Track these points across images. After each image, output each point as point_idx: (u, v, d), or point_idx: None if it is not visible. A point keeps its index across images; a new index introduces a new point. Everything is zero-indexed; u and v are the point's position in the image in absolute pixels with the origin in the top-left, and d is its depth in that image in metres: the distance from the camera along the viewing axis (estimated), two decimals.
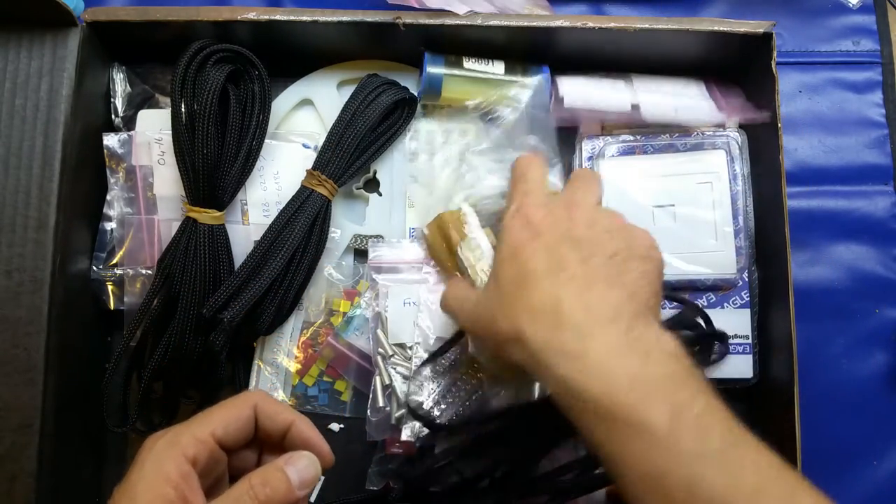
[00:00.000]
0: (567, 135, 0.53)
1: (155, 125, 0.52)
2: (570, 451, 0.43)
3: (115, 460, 0.53)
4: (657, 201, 0.51)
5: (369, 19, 0.48)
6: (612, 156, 0.52)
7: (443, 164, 0.49)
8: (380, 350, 0.50)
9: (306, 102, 0.54)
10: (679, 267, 0.50)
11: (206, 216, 0.48)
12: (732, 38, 0.49)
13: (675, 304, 0.49)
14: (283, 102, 0.53)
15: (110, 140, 0.52)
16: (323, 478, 0.51)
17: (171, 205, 0.51)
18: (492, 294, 0.36)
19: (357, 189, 0.54)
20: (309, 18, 0.48)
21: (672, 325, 0.46)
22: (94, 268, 0.51)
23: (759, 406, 0.51)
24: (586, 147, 0.52)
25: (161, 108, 0.54)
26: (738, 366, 0.50)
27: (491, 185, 0.46)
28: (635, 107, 0.51)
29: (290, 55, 0.52)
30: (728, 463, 0.28)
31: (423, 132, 0.53)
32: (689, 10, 0.60)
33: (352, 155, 0.50)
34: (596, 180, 0.41)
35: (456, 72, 0.51)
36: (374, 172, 0.54)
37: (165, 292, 0.48)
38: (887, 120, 0.59)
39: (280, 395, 0.52)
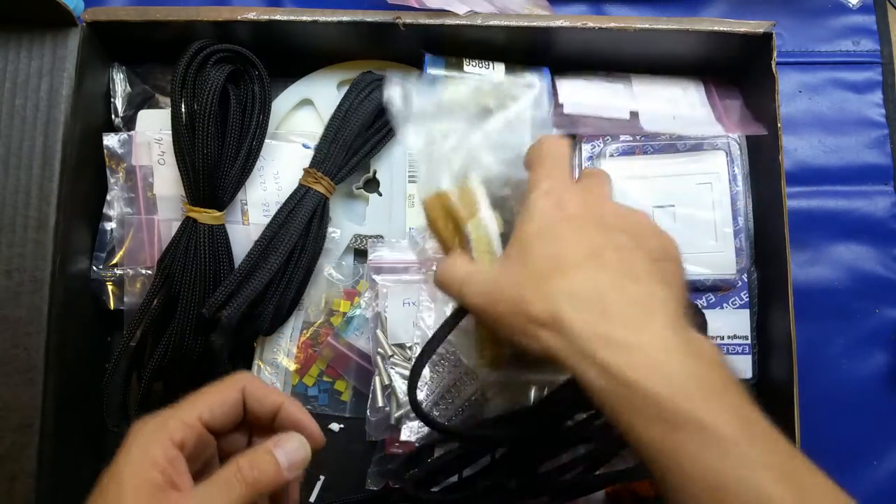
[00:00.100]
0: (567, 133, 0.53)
1: (155, 125, 0.52)
2: (570, 451, 0.44)
3: None
4: (657, 201, 0.51)
5: (369, 19, 0.48)
6: (612, 156, 0.52)
7: (444, 134, 0.46)
8: (379, 350, 0.50)
9: (306, 102, 0.54)
10: None
11: (206, 216, 0.48)
12: (732, 38, 0.49)
13: None
14: (283, 102, 0.53)
15: (110, 140, 0.52)
16: (322, 478, 0.51)
17: (171, 205, 0.51)
18: (517, 273, 0.33)
19: (357, 189, 0.54)
20: (309, 18, 0.48)
21: None
22: (94, 268, 0.51)
23: (758, 406, 0.51)
24: (586, 147, 0.52)
25: (161, 108, 0.54)
26: (738, 366, 0.50)
27: (489, 168, 0.43)
28: (634, 114, 0.51)
29: (290, 55, 0.52)
30: (794, 476, 0.28)
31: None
32: (689, 10, 0.60)
33: (347, 152, 0.50)
34: (609, 179, 0.40)
35: (456, 74, 0.51)
36: (374, 172, 0.54)
37: (165, 292, 0.48)
38: (887, 120, 0.59)
39: None
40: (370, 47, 0.52)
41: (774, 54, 0.48)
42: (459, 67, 0.51)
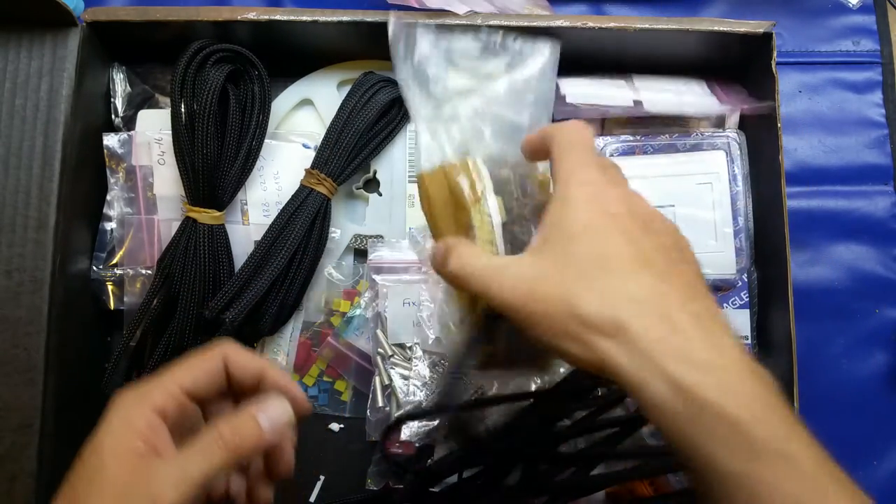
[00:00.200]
0: None
1: (155, 125, 0.52)
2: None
3: None
4: (657, 201, 0.51)
5: (369, 19, 0.48)
6: (612, 155, 0.52)
7: (448, 97, 0.41)
8: (379, 350, 0.50)
9: (306, 102, 0.54)
10: None
11: (206, 216, 0.48)
12: (732, 38, 0.49)
13: None
14: (283, 102, 0.53)
15: (110, 140, 0.52)
16: (322, 478, 0.51)
17: (171, 205, 0.51)
18: (561, 270, 0.30)
19: (357, 189, 0.54)
20: (309, 18, 0.48)
21: None
22: (94, 268, 0.51)
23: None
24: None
25: (161, 108, 0.54)
26: None
27: (489, 144, 0.40)
28: (637, 102, 0.51)
29: (290, 55, 0.52)
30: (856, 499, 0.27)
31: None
32: (689, 10, 0.60)
33: (350, 153, 0.50)
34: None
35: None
36: (374, 172, 0.54)
37: (165, 292, 0.48)
38: (887, 120, 0.59)
39: None
40: (370, 47, 0.52)
41: (774, 54, 0.48)
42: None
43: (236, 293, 0.47)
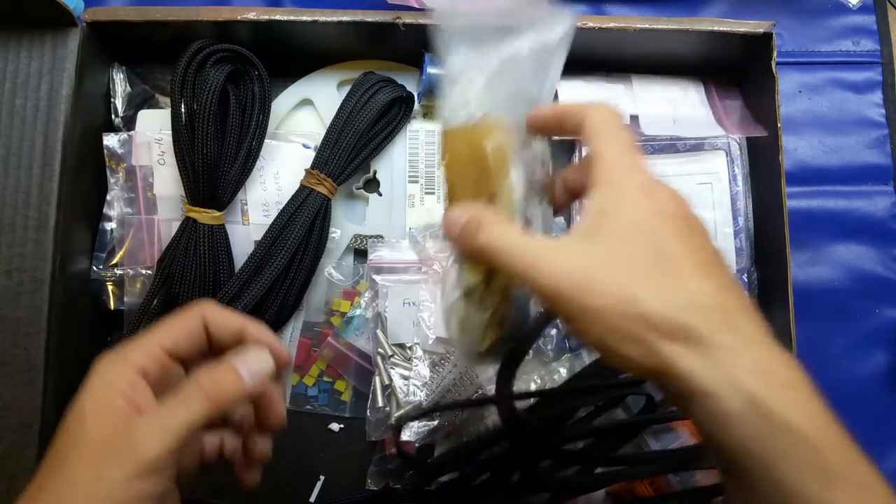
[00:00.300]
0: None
1: (155, 125, 0.52)
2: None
3: None
4: None
5: (369, 19, 0.48)
6: None
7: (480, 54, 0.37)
8: (379, 350, 0.50)
9: (306, 102, 0.54)
10: None
11: (206, 216, 0.48)
12: (732, 38, 0.49)
13: None
14: (283, 102, 0.53)
15: (110, 140, 0.52)
16: (322, 478, 0.51)
17: (171, 205, 0.51)
18: (616, 264, 0.28)
19: (357, 189, 0.54)
20: (309, 18, 0.48)
21: None
22: (94, 268, 0.51)
23: None
24: (586, 148, 0.52)
25: (161, 108, 0.54)
26: None
27: (507, 112, 0.36)
28: (634, 118, 0.51)
29: (290, 55, 0.52)
30: None
31: (422, 132, 0.53)
32: (689, 10, 0.60)
33: (350, 153, 0.50)
34: None
35: None
36: (374, 172, 0.54)
37: (165, 292, 0.48)
38: (887, 120, 0.59)
39: None
40: (370, 47, 0.52)
41: (774, 54, 0.48)
42: None
43: (236, 293, 0.47)
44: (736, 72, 0.54)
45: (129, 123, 0.53)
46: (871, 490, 0.26)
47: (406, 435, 0.48)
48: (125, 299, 0.51)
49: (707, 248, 0.30)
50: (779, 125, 0.48)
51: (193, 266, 0.47)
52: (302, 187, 0.49)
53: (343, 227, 0.53)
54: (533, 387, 0.49)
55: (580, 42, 0.50)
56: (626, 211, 0.29)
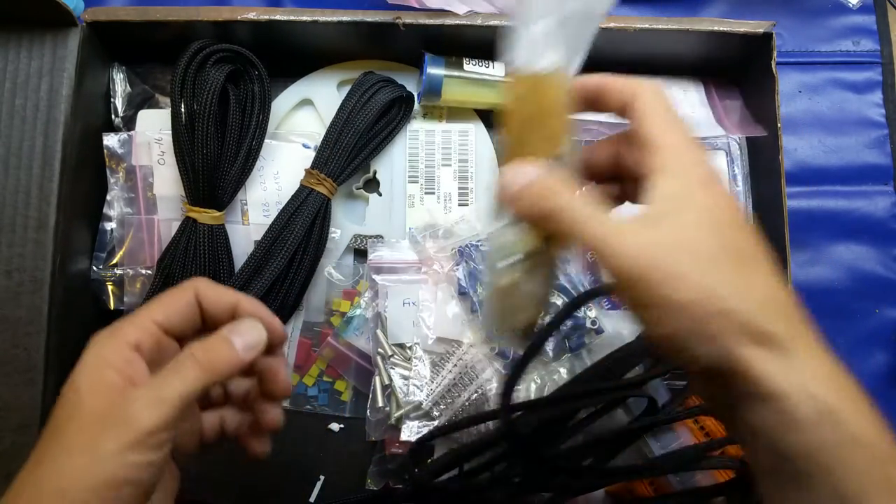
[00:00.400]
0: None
1: (155, 125, 0.52)
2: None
3: None
4: None
5: (369, 19, 0.48)
6: None
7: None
8: (379, 350, 0.50)
9: (306, 102, 0.54)
10: None
11: (206, 216, 0.48)
12: (732, 38, 0.49)
13: None
14: (283, 102, 0.53)
15: (110, 140, 0.52)
16: (322, 478, 0.51)
17: (171, 205, 0.51)
18: (691, 254, 0.26)
19: (357, 189, 0.54)
20: (309, 18, 0.48)
21: None
22: (94, 268, 0.51)
23: None
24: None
25: (161, 108, 0.54)
26: None
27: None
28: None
29: (290, 55, 0.52)
30: None
31: (422, 132, 0.53)
32: (689, 10, 0.60)
33: (350, 153, 0.50)
34: None
35: (456, 73, 0.51)
36: (374, 172, 0.54)
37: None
38: (887, 120, 0.59)
39: None
40: (370, 47, 0.52)
41: (774, 54, 0.48)
42: (459, 66, 0.51)
43: None
44: (736, 72, 0.54)
45: (129, 123, 0.53)
46: (861, 402, 0.26)
47: (405, 435, 0.48)
48: (125, 299, 0.51)
49: (769, 253, 0.29)
50: (779, 125, 0.48)
51: (193, 266, 0.47)
52: (302, 187, 0.49)
53: (343, 227, 0.53)
54: (533, 387, 0.49)
55: None
56: (697, 204, 0.28)
